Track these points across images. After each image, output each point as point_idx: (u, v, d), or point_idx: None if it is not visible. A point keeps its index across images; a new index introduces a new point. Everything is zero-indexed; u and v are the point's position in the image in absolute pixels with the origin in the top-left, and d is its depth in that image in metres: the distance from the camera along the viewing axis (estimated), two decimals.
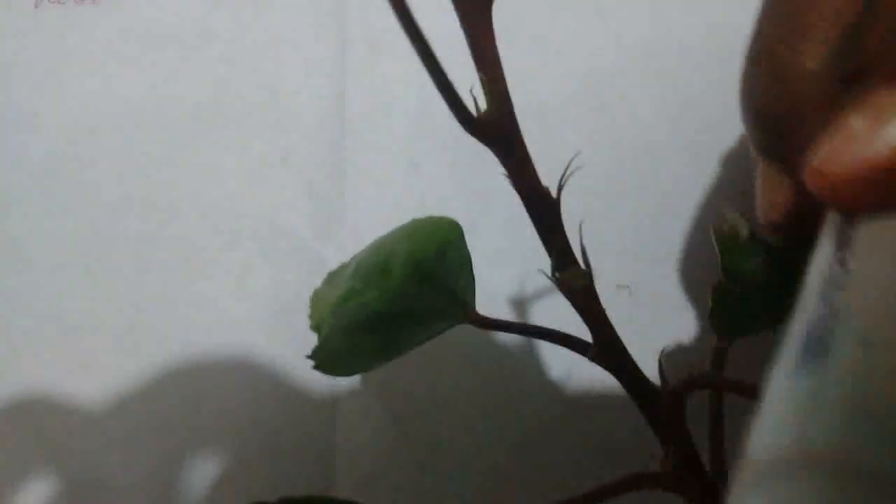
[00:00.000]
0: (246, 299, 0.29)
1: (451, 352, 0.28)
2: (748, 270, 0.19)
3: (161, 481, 0.28)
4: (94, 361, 0.28)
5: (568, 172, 0.16)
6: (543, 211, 0.16)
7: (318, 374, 0.28)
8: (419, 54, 0.15)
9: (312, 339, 0.28)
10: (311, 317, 0.24)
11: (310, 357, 0.21)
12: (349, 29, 0.30)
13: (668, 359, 0.18)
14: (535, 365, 0.27)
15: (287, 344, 0.28)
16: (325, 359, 0.21)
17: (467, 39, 0.15)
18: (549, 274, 0.17)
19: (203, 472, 0.28)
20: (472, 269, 0.20)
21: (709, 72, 0.28)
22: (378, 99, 0.29)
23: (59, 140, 0.29)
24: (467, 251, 0.20)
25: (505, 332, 0.19)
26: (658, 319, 0.26)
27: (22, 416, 0.28)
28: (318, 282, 0.28)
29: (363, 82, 0.29)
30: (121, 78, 0.29)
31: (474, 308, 0.19)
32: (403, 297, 0.21)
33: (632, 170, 0.29)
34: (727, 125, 0.27)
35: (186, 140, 0.29)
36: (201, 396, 0.28)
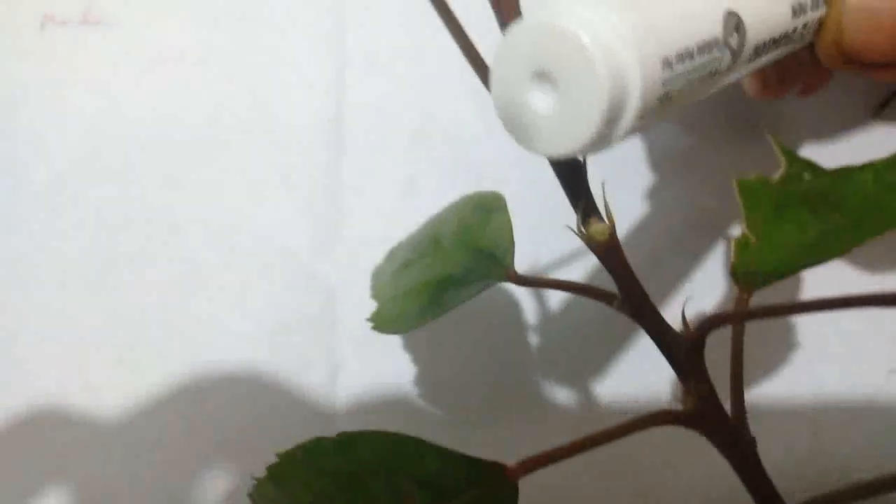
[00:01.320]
0: (245, 316, 0.29)
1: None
2: (772, 224, 0.20)
3: (164, 496, 0.28)
4: (97, 377, 0.28)
5: None
6: (570, 173, 0.18)
7: (316, 390, 0.29)
8: (444, 23, 0.17)
9: (311, 355, 0.29)
10: (373, 287, 0.26)
11: (369, 320, 0.23)
12: (347, 50, 0.30)
13: (689, 309, 0.19)
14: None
15: (285, 359, 0.29)
16: (380, 322, 0.23)
17: (492, 5, 0.17)
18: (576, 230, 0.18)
19: (204, 486, 0.28)
20: (512, 235, 0.22)
21: None
22: (375, 119, 0.30)
23: (63, 160, 0.30)
24: (509, 218, 0.22)
25: (540, 287, 0.20)
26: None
27: (27, 432, 0.28)
28: (315, 299, 0.29)
29: (360, 102, 0.30)
30: (123, 98, 0.30)
31: (513, 268, 0.21)
32: (452, 263, 0.23)
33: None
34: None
35: (187, 160, 0.30)
36: (201, 411, 0.28)
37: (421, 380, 0.29)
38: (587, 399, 0.29)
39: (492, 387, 0.29)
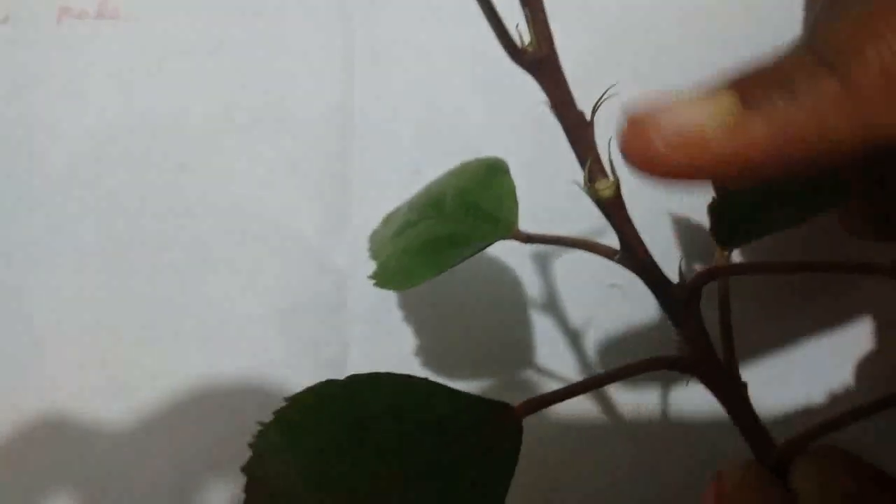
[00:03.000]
0: (256, 298, 0.30)
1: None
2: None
3: (177, 475, 0.29)
4: (112, 357, 0.29)
5: (602, 98, 0.19)
6: (579, 131, 0.19)
7: (326, 372, 0.29)
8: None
9: (320, 337, 0.30)
10: (371, 249, 0.27)
11: (371, 278, 0.24)
12: (356, 40, 0.31)
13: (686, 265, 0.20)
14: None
15: (296, 342, 0.30)
16: (382, 278, 0.24)
17: None
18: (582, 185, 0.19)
19: (214, 467, 0.29)
20: (515, 194, 0.23)
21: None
22: (383, 107, 0.31)
23: (80, 147, 0.30)
24: (511, 181, 0.23)
25: (543, 244, 0.21)
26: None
27: (44, 411, 0.29)
28: (325, 283, 0.30)
29: (369, 91, 0.31)
30: (138, 88, 0.31)
31: (517, 226, 0.22)
32: (454, 223, 0.24)
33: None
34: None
35: (200, 147, 0.31)
36: (213, 392, 0.29)
37: (429, 362, 0.30)
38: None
39: (503, 365, 0.30)
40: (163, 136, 0.31)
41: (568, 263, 0.30)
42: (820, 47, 0.16)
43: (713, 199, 0.21)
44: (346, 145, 0.31)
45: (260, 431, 0.20)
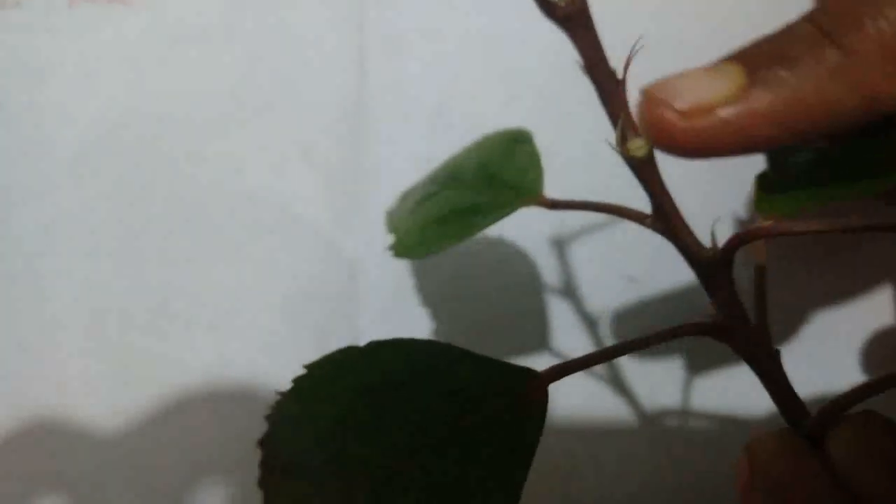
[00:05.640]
0: (266, 287, 0.30)
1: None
2: (793, 163, 0.21)
3: (188, 464, 0.28)
4: (122, 345, 0.29)
5: (632, 54, 0.18)
6: (611, 89, 0.19)
7: None
8: None
9: (331, 327, 0.29)
10: (388, 223, 0.26)
11: (390, 249, 0.24)
12: (368, 27, 0.31)
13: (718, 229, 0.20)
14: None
15: (307, 331, 0.29)
16: (402, 248, 0.24)
17: None
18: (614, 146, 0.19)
19: (223, 456, 0.28)
20: (539, 163, 0.22)
21: None
22: (396, 95, 0.31)
23: (90, 133, 0.30)
24: (535, 149, 0.23)
25: (571, 209, 0.21)
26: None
27: (53, 398, 0.29)
28: (336, 271, 0.30)
29: (381, 79, 0.31)
30: (149, 74, 0.31)
31: (542, 194, 0.22)
32: (475, 194, 0.23)
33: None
34: None
35: (211, 134, 0.30)
36: (223, 381, 0.29)
37: None
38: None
39: (516, 357, 0.29)
40: (174, 123, 0.30)
41: (585, 252, 0.30)
42: (820, 18, 0.17)
43: (763, 171, 0.21)
44: (359, 133, 0.30)
45: (277, 402, 0.19)
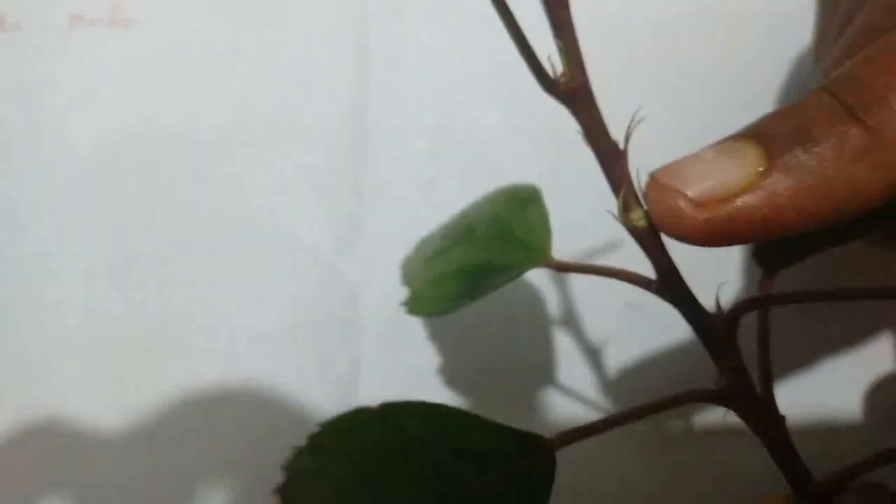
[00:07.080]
0: (267, 311, 0.29)
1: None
2: None
3: (187, 487, 0.28)
4: (121, 369, 0.29)
5: (633, 125, 0.19)
6: (613, 160, 0.19)
7: (337, 386, 0.29)
8: (506, 26, 0.18)
9: (332, 352, 0.29)
10: (404, 275, 0.27)
11: (404, 305, 0.24)
12: (370, 49, 0.31)
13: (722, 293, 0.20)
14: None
15: (307, 355, 0.29)
16: (416, 305, 0.24)
17: (545, 9, 0.18)
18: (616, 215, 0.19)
19: (226, 480, 0.29)
20: (549, 223, 0.23)
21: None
22: (397, 117, 0.30)
23: (90, 156, 0.30)
24: (544, 209, 0.23)
25: (578, 272, 0.21)
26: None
27: (52, 422, 0.29)
28: (337, 295, 0.30)
29: (383, 101, 0.31)
30: (149, 96, 0.30)
31: (550, 255, 0.22)
32: (487, 251, 0.24)
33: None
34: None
35: (211, 157, 0.30)
36: (223, 406, 0.29)
37: (443, 377, 0.30)
38: (616, 394, 0.30)
39: (516, 382, 0.30)
40: (174, 145, 0.30)
41: (584, 279, 0.30)
42: (840, 89, 0.16)
43: None
44: (360, 154, 0.30)
45: (294, 455, 0.20)
